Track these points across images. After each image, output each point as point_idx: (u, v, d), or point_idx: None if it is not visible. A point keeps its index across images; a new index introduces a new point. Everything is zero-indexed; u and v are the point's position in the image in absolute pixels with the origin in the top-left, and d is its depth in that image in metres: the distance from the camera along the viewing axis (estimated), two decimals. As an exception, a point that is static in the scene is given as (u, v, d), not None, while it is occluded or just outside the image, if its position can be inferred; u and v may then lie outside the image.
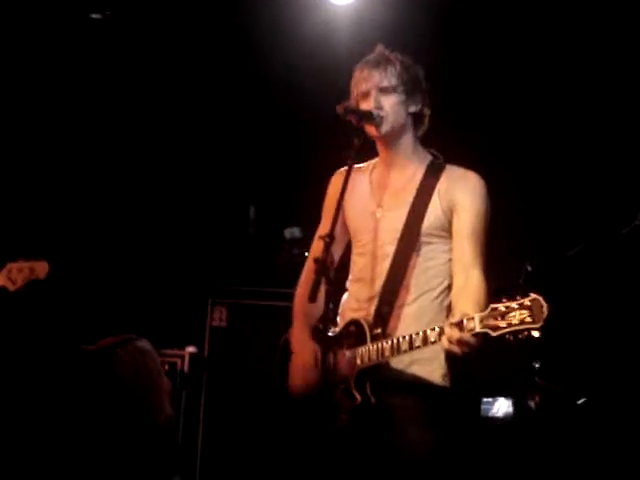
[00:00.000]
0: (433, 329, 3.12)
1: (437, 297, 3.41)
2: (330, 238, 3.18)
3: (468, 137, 5.64)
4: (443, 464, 3.32)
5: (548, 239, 5.56)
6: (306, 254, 3.88)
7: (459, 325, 3.01)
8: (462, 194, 3.41)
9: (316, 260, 3.14)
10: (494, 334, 2.93)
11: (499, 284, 3.97)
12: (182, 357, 5.95)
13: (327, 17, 5.69)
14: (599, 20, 5.40)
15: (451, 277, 3.42)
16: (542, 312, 2.85)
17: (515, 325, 2.89)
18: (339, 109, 3.41)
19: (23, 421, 4.42)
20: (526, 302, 2.88)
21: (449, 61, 5.64)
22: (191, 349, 5.98)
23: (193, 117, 6.44)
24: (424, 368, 3.35)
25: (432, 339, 3.11)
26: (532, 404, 5.11)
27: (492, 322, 2.94)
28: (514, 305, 2.90)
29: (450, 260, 3.42)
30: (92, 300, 6.11)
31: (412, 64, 3.51)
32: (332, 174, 3.69)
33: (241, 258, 6.28)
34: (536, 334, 2.88)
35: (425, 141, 3.59)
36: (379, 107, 3.39)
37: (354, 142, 3.33)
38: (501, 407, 5.26)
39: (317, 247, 3.62)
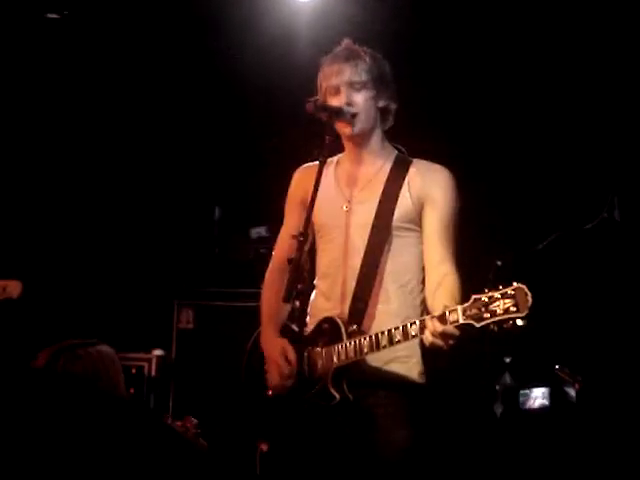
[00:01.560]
0: (414, 323, 3.08)
1: (411, 292, 3.39)
2: (304, 236, 3.14)
3: (432, 132, 5.62)
4: (421, 460, 3.30)
5: (515, 234, 5.56)
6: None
7: (441, 318, 2.97)
8: (432, 187, 3.39)
9: (290, 259, 3.10)
10: (478, 325, 2.90)
11: (469, 280, 3.98)
12: (149, 360, 5.88)
13: (291, 13, 5.66)
14: (567, 24, 5.42)
15: (423, 271, 3.39)
16: (527, 300, 2.81)
17: (499, 315, 2.85)
18: (309, 106, 3.36)
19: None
20: (509, 291, 2.85)
21: (413, 55, 5.63)
22: (158, 352, 5.91)
23: (156, 117, 6.37)
24: (402, 366, 3.33)
25: (413, 333, 3.07)
26: (572, 393, 5.08)
27: (475, 313, 2.90)
28: (497, 295, 2.87)
29: (421, 254, 3.40)
30: (56, 304, 6.01)
31: (380, 58, 3.48)
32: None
33: (207, 259, 6.22)
34: (520, 323, 2.85)
35: (390, 135, 3.55)
36: (350, 103, 3.35)
37: (325, 139, 3.29)
38: (537, 398, 5.20)
39: (284, 246, 3.60)
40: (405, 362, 3.33)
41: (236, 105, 6.25)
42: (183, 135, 6.47)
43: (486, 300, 2.88)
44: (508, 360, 5.14)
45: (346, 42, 3.49)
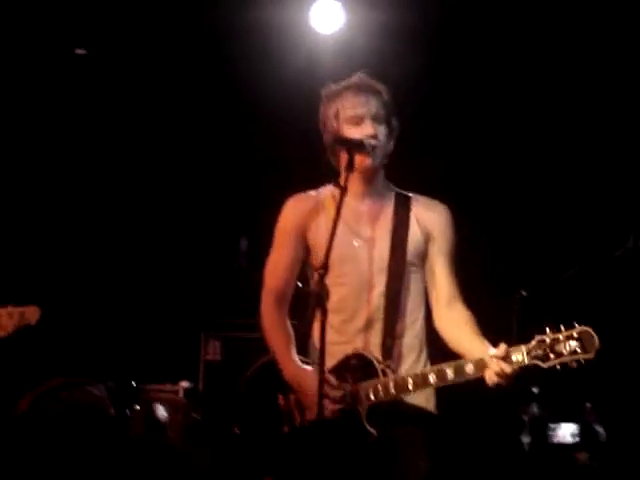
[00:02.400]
0: (469, 362, 3.09)
1: (421, 328, 3.41)
2: (325, 269, 3.12)
3: (446, 163, 5.68)
4: None
5: (539, 264, 5.54)
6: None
7: (506, 358, 3.01)
8: (438, 222, 3.42)
9: (311, 292, 3.10)
10: (545, 365, 2.96)
11: (491, 312, 3.97)
12: (176, 392, 5.88)
13: (312, 46, 5.70)
14: (561, 57, 5.45)
15: (426, 308, 3.42)
16: (594, 343, 2.89)
17: (565, 356, 2.93)
18: (328, 138, 3.39)
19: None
20: (574, 334, 2.93)
21: (432, 91, 5.67)
22: (185, 384, 5.91)
23: (183, 149, 6.43)
24: (420, 397, 3.33)
25: (470, 372, 3.09)
26: (601, 430, 5.05)
27: (540, 354, 2.96)
28: (560, 337, 2.94)
29: (425, 290, 3.42)
30: (84, 336, 6.06)
31: (392, 96, 3.46)
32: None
33: (233, 290, 6.23)
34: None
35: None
36: (375, 135, 3.34)
37: (344, 172, 3.27)
38: (567, 433, 5.16)
39: (278, 276, 3.53)
40: (423, 393, 3.32)
41: (262, 135, 6.30)
42: (210, 166, 6.52)
43: (549, 341, 2.95)
44: (536, 390, 5.09)
45: (361, 74, 3.47)
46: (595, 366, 5.19)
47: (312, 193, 3.55)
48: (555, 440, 5.11)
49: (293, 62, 5.77)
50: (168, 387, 5.88)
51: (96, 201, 6.44)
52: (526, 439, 5.03)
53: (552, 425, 5.14)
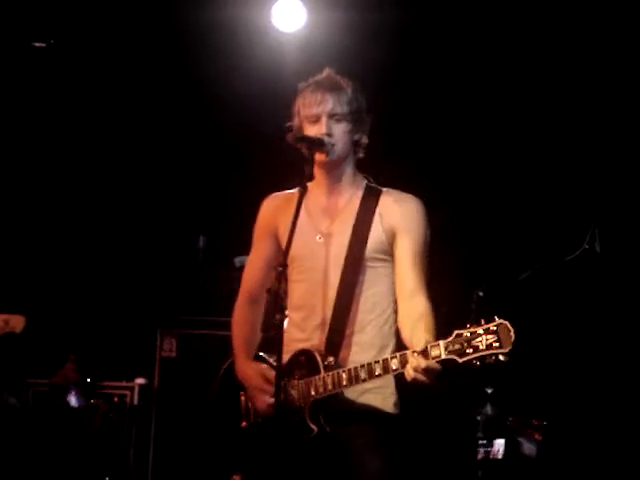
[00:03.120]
0: (394, 357, 3.09)
1: (385, 322, 3.39)
2: (283, 267, 3.14)
3: (411, 160, 5.69)
4: None
5: (497, 265, 5.58)
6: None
7: (424, 353, 2.98)
8: (404, 217, 3.39)
9: (269, 289, 3.10)
10: (460, 360, 2.92)
11: (450, 310, 3.99)
12: (132, 389, 5.86)
13: (274, 44, 5.70)
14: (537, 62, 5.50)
15: (395, 303, 3.40)
16: (510, 336, 2.84)
17: (482, 350, 2.88)
18: (289, 137, 3.40)
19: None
20: (492, 327, 2.87)
21: (396, 88, 5.68)
22: (140, 381, 5.90)
23: (140, 146, 6.39)
24: (377, 397, 3.33)
25: (394, 367, 3.08)
26: (530, 447, 5.01)
27: (458, 348, 2.92)
28: (479, 330, 2.89)
29: (393, 284, 3.40)
30: (40, 334, 6.00)
31: (360, 92, 3.48)
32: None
33: (190, 288, 6.21)
34: (502, 358, 2.87)
35: (360, 165, 3.55)
36: (330, 134, 3.35)
37: (305, 170, 3.31)
38: (500, 448, 5.10)
39: (253, 276, 3.59)
40: (380, 393, 3.33)
41: (222, 133, 6.28)
42: (168, 164, 6.49)
43: (468, 335, 2.91)
44: (490, 391, 5.13)
45: (328, 71, 3.49)
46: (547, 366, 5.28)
47: (288, 191, 3.56)
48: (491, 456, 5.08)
49: (255, 60, 5.77)
50: (123, 384, 5.87)
51: (54, 197, 6.39)
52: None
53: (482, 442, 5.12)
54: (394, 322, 3.39)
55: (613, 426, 5.27)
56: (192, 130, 6.35)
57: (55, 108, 6.27)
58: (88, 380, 5.84)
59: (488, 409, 5.08)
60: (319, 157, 3.35)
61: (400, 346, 3.32)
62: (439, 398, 5.02)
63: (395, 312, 3.40)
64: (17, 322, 4.40)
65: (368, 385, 3.24)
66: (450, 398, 5.21)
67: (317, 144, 3.32)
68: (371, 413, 3.31)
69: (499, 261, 5.56)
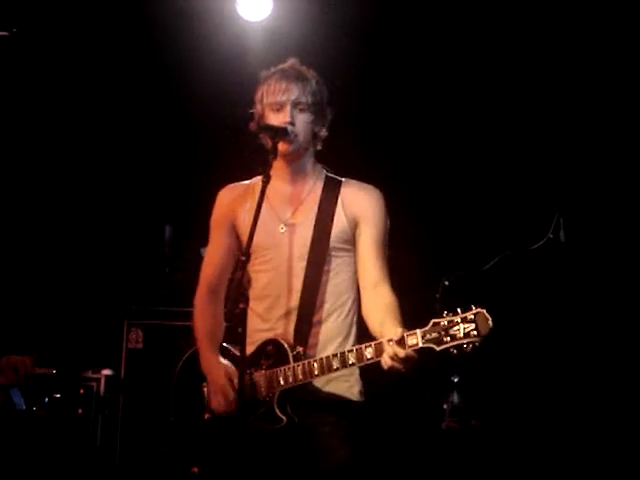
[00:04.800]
0: (369, 345, 3.08)
1: (349, 312, 3.40)
2: (246, 256, 3.13)
3: (376, 151, 5.71)
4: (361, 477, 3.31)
5: (462, 254, 5.60)
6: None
7: (400, 342, 2.98)
8: (366, 207, 3.41)
9: (231, 279, 3.10)
10: (438, 348, 2.93)
11: (417, 299, 4.00)
12: (98, 380, 5.84)
13: (240, 33, 5.68)
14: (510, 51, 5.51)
15: (356, 292, 3.41)
16: (487, 325, 2.86)
17: (460, 338, 2.89)
18: (253, 126, 3.40)
19: None
20: (469, 316, 2.88)
21: (360, 78, 5.68)
22: (107, 372, 5.87)
23: (105, 134, 6.35)
24: (342, 385, 3.34)
25: (368, 356, 3.08)
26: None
27: (435, 337, 2.92)
28: (457, 319, 2.90)
29: (355, 273, 3.41)
30: (6, 323, 5.95)
31: (323, 84, 3.48)
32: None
33: (157, 278, 6.19)
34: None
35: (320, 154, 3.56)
36: (292, 123, 3.35)
37: (269, 159, 3.30)
38: None
39: (213, 267, 3.59)
40: (346, 381, 3.34)
41: (187, 122, 6.25)
42: (134, 153, 6.45)
43: (445, 324, 2.92)
44: (456, 380, 5.16)
45: (292, 61, 3.49)
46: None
47: (245, 182, 3.56)
48: None
49: (221, 50, 5.74)
50: (90, 375, 5.84)
51: (17, 185, 6.32)
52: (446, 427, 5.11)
53: None
54: (356, 311, 3.41)
55: (576, 413, 5.32)
56: (157, 120, 6.31)
57: (18, 97, 6.20)
58: (54, 371, 5.80)
59: (455, 397, 5.12)
60: (282, 147, 3.35)
61: (361, 335, 3.34)
62: (406, 386, 5.04)
63: (356, 301, 3.41)
64: (27, 366, 4.30)
65: (333, 374, 3.23)
66: (417, 386, 5.23)
67: (281, 133, 3.32)
68: (337, 402, 3.32)
69: (464, 250, 5.58)
